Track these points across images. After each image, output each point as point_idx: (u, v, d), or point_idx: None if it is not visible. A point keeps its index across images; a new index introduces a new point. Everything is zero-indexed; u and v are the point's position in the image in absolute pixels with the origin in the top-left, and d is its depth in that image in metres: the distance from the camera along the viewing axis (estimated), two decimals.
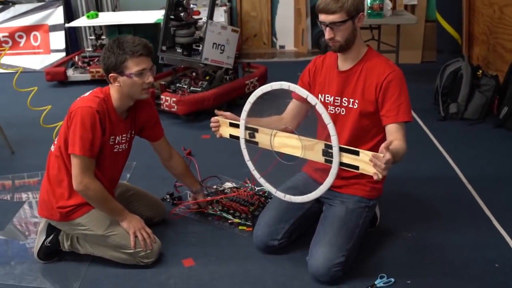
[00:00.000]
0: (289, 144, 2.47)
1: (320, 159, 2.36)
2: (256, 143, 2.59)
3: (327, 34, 2.52)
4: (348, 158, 2.25)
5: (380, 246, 2.87)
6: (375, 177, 2.15)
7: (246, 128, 2.60)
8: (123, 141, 2.77)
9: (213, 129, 2.75)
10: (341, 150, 2.26)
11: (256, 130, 2.58)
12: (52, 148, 2.76)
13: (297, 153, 2.44)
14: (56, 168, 2.70)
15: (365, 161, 2.20)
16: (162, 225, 3.12)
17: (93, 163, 2.62)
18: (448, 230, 3.01)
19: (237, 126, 2.64)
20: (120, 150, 2.78)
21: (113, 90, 2.67)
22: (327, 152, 2.30)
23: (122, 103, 2.69)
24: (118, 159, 2.83)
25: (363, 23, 2.57)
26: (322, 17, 2.50)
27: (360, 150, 2.21)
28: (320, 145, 2.34)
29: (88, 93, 2.70)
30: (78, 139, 2.53)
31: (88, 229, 2.69)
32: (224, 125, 2.72)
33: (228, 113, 2.74)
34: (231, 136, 2.70)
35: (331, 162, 2.30)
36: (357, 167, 2.23)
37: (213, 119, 2.74)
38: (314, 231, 2.70)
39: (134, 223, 2.72)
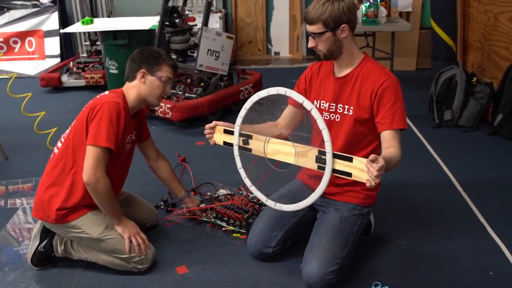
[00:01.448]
0: (283, 150, 2.47)
1: (313, 165, 2.35)
2: (250, 150, 2.59)
3: (310, 42, 2.58)
4: (341, 165, 2.24)
5: (375, 254, 2.87)
6: (367, 184, 2.14)
7: (241, 134, 2.60)
8: (130, 140, 2.82)
9: (207, 136, 2.75)
10: (335, 156, 2.25)
11: (250, 137, 2.57)
12: (56, 150, 2.75)
13: (290, 160, 2.43)
14: (58, 169, 2.69)
15: (358, 168, 2.19)
16: (156, 232, 3.12)
17: (108, 159, 2.62)
18: (442, 237, 3.01)
19: (231, 133, 2.64)
20: (128, 149, 2.83)
21: (131, 90, 2.77)
22: (320, 159, 2.30)
23: (137, 104, 2.79)
24: (128, 158, 2.88)
25: (347, 34, 2.53)
26: (306, 26, 2.55)
27: (354, 157, 2.21)
28: (314, 151, 2.34)
29: (106, 92, 2.78)
30: (105, 131, 2.55)
31: (83, 232, 2.68)
32: (218, 132, 2.71)
33: (222, 122, 2.74)
34: (225, 143, 2.69)
35: (324, 169, 2.29)
36: (350, 174, 2.22)
37: (207, 126, 2.74)
38: (309, 238, 2.69)
39: (129, 228, 2.72)
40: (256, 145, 2.56)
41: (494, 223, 3.14)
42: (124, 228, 2.71)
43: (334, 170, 2.26)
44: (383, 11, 5.30)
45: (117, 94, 2.72)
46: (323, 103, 2.71)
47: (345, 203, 2.72)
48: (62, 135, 2.78)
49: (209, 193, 3.47)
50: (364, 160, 2.15)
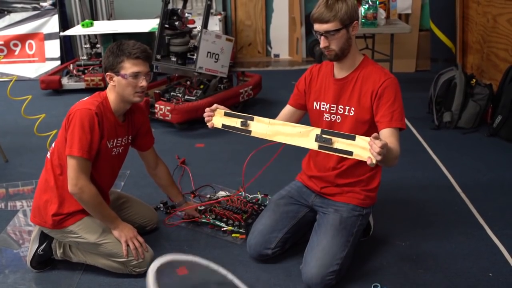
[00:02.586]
0: (283, 131, 2.45)
1: (314, 145, 2.32)
2: (249, 132, 2.56)
3: (322, 43, 2.54)
4: (342, 144, 2.23)
5: (374, 255, 2.87)
6: (368, 162, 2.12)
7: (241, 116, 2.58)
8: (118, 144, 2.78)
9: (206, 118, 2.69)
10: (336, 135, 2.25)
11: (252, 119, 2.56)
12: (48, 155, 2.76)
13: (291, 140, 2.41)
14: (51, 175, 2.70)
15: (360, 146, 2.18)
16: (155, 234, 3.12)
17: (90, 166, 2.62)
18: (441, 239, 3.01)
19: (232, 115, 2.62)
20: (116, 153, 2.79)
21: (110, 92, 2.70)
22: (321, 138, 2.29)
23: (119, 106, 2.71)
24: (115, 162, 2.84)
25: (357, 31, 2.58)
26: (317, 26, 2.52)
27: (357, 136, 2.21)
28: (315, 131, 2.32)
29: (87, 97, 2.72)
30: (77, 140, 2.54)
31: (80, 237, 2.68)
32: (218, 115, 2.67)
33: (223, 106, 2.71)
34: (223, 126, 2.64)
35: (324, 148, 2.28)
36: (351, 153, 2.21)
37: (208, 108, 2.69)
38: (308, 239, 2.70)
39: (126, 232, 2.72)
40: (257, 127, 2.54)
41: (493, 224, 3.15)
42: (120, 232, 2.71)
43: (335, 150, 2.25)
44: (382, 13, 5.31)
45: (95, 99, 2.67)
46: (323, 104, 2.72)
47: (345, 204, 2.73)
48: (57, 136, 2.78)
49: (208, 195, 3.47)
50: (367, 138, 2.15)
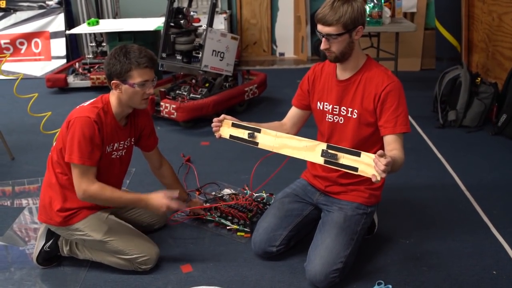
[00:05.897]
0: (290, 145, 2.48)
1: (320, 160, 2.35)
2: (256, 143, 2.59)
3: (323, 44, 2.53)
4: (347, 159, 2.26)
5: (378, 252, 2.88)
6: (373, 179, 2.15)
7: (248, 128, 2.61)
8: (120, 147, 2.78)
9: (214, 129, 2.71)
10: (342, 151, 2.28)
11: (258, 131, 2.58)
12: (50, 154, 2.78)
13: (297, 154, 2.44)
14: (52, 173, 2.72)
15: (365, 163, 2.21)
16: (161, 231, 3.14)
17: (92, 170, 2.62)
18: (446, 237, 3.02)
19: (239, 126, 2.64)
20: (117, 156, 2.79)
21: (113, 97, 2.70)
22: (326, 153, 2.31)
23: (121, 110, 2.71)
24: (114, 165, 2.83)
25: (361, 35, 2.56)
26: (319, 27, 2.50)
27: (362, 152, 2.22)
28: (321, 146, 2.35)
29: (88, 102, 2.73)
30: (76, 148, 2.55)
31: (86, 235, 2.70)
32: (226, 126, 2.69)
33: (230, 117, 2.73)
34: (231, 136, 2.67)
35: (330, 163, 2.31)
36: (356, 169, 2.24)
37: (215, 119, 2.70)
38: (313, 237, 2.71)
39: (159, 201, 2.69)
40: (264, 139, 2.57)
41: (497, 222, 3.15)
42: (157, 200, 2.68)
43: (340, 165, 2.28)
44: (387, 11, 5.30)
45: (95, 105, 2.67)
46: (326, 105, 2.72)
47: (349, 202, 2.74)
48: (57, 138, 2.79)
49: (213, 193, 3.48)
50: (372, 155, 2.17)
